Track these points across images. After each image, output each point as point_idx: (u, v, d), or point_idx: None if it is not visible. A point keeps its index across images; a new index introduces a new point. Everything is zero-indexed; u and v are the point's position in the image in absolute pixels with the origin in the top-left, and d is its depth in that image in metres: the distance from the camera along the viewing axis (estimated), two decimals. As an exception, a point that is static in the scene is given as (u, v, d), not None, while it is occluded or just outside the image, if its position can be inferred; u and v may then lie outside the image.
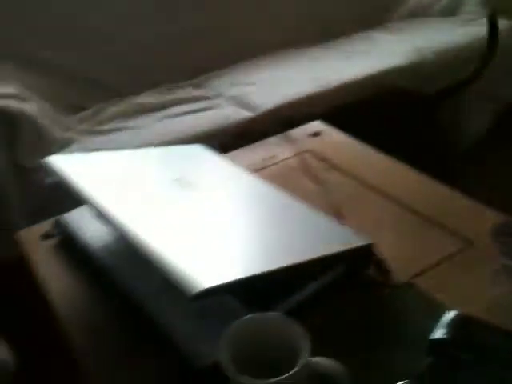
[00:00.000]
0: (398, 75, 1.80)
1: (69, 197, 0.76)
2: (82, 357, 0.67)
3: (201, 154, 0.98)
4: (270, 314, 0.56)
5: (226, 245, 0.66)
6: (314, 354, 0.51)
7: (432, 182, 0.95)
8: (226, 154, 1.05)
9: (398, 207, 0.89)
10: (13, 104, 1.19)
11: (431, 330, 0.58)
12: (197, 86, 1.78)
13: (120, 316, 0.71)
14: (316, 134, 1.15)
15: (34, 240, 0.87)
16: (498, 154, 2.01)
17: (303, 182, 0.98)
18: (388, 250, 0.75)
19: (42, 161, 0.79)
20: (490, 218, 0.81)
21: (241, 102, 1.61)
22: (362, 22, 2.20)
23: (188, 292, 0.54)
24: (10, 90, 1.27)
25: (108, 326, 0.70)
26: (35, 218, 0.91)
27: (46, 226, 0.89)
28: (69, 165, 0.79)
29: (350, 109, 1.57)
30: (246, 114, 1.53)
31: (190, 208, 0.74)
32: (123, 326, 0.69)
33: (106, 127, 1.48)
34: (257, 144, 1.14)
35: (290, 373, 0.49)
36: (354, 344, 0.64)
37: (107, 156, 0.89)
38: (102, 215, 0.69)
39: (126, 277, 0.73)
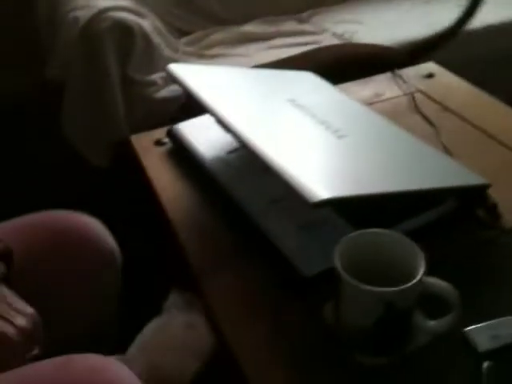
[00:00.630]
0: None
1: (186, 106, 0.79)
2: (190, 256, 0.70)
3: (312, 80, 0.98)
4: (386, 230, 0.56)
5: (346, 163, 0.66)
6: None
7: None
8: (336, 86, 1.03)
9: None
10: (131, 17, 1.23)
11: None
12: (301, 21, 1.75)
13: (228, 223, 0.73)
14: (429, 76, 1.11)
15: (147, 146, 0.91)
16: None
17: (413, 121, 0.96)
18: (500, 196, 0.73)
19: (166, 67, 0.81)
20: None
21: (346, 40, 1.57)
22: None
23: (310, 198, 0.55)
24: (128, 3, 1.30)
25: (216, 230, 0.73)
26: (138, 130, 0.95)
27: (158, 133, 0.93)
28: (190, 74, 0.81)
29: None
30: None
31: (305, 126, 0.75)
32: (230, 232, 0.72)
33: (210, 52, 1.50)
34: (365, 80, 1.11)
35: (406, 285, 0.49)
36: (459, 280, 0.63)
37: (223, 70, 0.91)
38: (223, 124, 0.71)
39: (236, 187, 0.75)
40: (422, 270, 0.50)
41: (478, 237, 0.70)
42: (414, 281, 0.49)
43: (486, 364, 0.52)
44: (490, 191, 0.72)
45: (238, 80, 0.87)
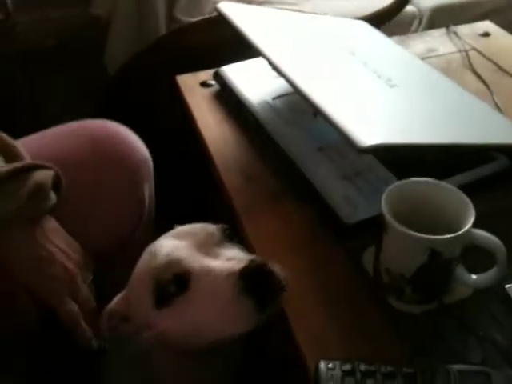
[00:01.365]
0: None
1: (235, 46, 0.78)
2: (232, 197, 0.71)
3: (365, 29, 0.95)
4: (435, 180, 0.55)
5: (397, 112, 0.65)
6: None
7: None
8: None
9: None
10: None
11: None
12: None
13: (272, 167, 0.73)
14: (485, 35, 1.07)
15: (193, 86, 0.91)
16: None
17: (467, 78, 0.93)
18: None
19: (216, 6, 0.79)
20: None
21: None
22: None
23: (359, 144, 0.54)
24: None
25: (259, 174, 0.73)
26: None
27: (204, 75, 0.92)
28: (241, 14, 0.80)
29: None
30: (408, 7, 1.43)
31: (357, 73, 0.73)
32: (274, 176, 0.72)
33: (260, -1, 1.47)
34: (418, 34, 1.08)
35: (454, 234, 0.49)
36: (504, 237, 0.62)
37: (275, 12, 0.89)
38: (272, 66, 0.70)
39: (281, 133, 0.75)
40: (471, 221, 0.50)
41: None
42: (463, 230, 0.49)
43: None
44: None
45: (289, 23, 0.86)
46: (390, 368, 0.48)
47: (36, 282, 0.59)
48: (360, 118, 0.60)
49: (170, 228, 0.59)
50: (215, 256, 0.54)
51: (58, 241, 0.60)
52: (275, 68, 0.69)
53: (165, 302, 0.54)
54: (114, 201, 0.70)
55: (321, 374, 0.48)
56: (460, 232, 0.49)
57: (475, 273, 0.54)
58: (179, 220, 0.60)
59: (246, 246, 0.64)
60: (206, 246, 0.55)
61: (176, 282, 0.52)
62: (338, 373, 0.48)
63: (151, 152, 0.76)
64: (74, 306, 0.60)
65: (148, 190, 0.74)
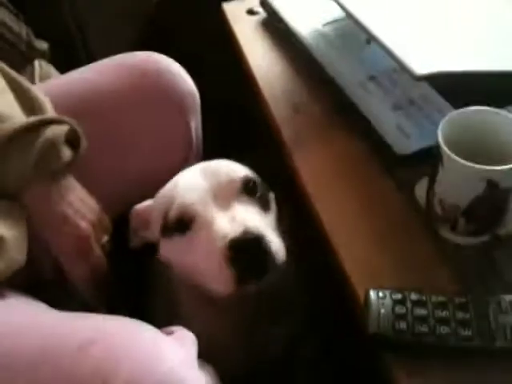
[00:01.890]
0: None
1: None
2: (282, 126, 0.70)
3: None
4: (494, 109, 0.53)
5: (456, 39, 0.62)
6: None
7: None
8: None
9: None
10: None
11: None
12: None
13: (322, 96, 0.72)
14: None
15: (239, 14, 0.88)
16: None
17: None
18: None
19: None
20: None
21: None
22: None
23: (416, 71, 0.52)
24: None
25: (309, 103, 0.72)
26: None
27: (250, 2, 0.89)
28: None
29: None
30: None
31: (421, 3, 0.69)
32: (324, 105, 0.71)
33: None
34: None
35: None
36: None
37: None
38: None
39: (331, 60, 0.73)
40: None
41: None
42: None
43: None
44: None
45: None
46: (441, 298, 0.48)
47: (49, 239, 0.59)
48: (416, 45, 0.58)
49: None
50: (226, 208, 0.54)
51: (73, 199, 0.60)
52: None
53: (167, 234, 0.57)
54: (161, 133, 0.70)
55: (371, 303, 0.48)
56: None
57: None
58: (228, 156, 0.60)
59: (296, 178, 0.64)
60: (223, 194, 0.55)
61: (179, 223, 0.55)
62: (388, 301, 0.49)
63: (199, 86, 0.75)
64: (84, 271, 0.60)
65: (195, 123, 0.73)
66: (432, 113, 0.63)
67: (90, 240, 0.60)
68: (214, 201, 0.55)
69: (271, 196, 0.60)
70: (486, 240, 0.54)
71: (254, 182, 0.58)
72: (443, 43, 0.61)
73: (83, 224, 0.60)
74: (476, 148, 0.52)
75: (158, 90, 0.69)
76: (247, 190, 0.57)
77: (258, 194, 0.57)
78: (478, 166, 0.48)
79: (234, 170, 0.58)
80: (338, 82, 0.70)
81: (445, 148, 0.49)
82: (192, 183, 0.57)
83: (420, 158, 0.59)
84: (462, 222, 0.53)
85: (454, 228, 0.54)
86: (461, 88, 0.62)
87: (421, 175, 0.59)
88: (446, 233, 0.55)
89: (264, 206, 0.57)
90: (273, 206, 0.59)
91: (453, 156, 0.49)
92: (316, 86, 0.73)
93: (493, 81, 0.61)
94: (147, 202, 0.63)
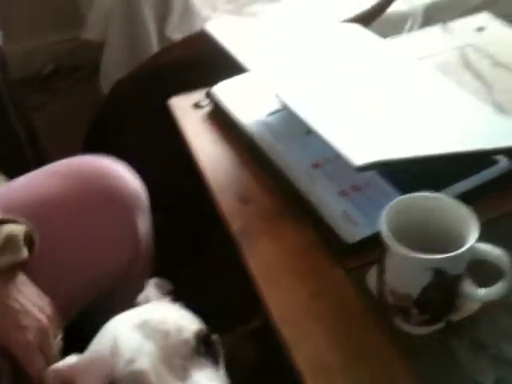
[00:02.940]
0: None
1: (224, 64, 0.77)
2: (229, 219, 0.69)
3: (358, 33, 0.93)
4: (436, 193, 0.53)
5: (393, 124, 0.63)
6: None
7: None
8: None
9: None
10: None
11: None
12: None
13: (268, 187, 0.72)
14: (480, 29, 1.04)
15: (186, 108, 0.90)
16: None
17: (464, 77, 0.90)
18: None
19: (204, 26, 0.78)
20: None
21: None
22: None
23: (355, 161, 0.53)
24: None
25: (255, 194, 0.71)
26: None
27: (197, 96, 0.91)
28: (228, 32, 0.79)
29: None
30: (401, 5, 1.41)
31: (350, 84, 0.71)
32: (270, 195, 0.70)
33: (251, 9, 1.45)
34: (412, 33, 1.06)
35: (456, 252, 0.47)
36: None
37: (264, 24, 0.87)
38: (264, 86, 0.69)
39: (276, 150, 0.73)
40: (474, 236, 0.48)
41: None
42: (465, 247, 0.47)
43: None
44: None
45: (280, 36, 0.84)
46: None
47: (8, 336, 0.57)
48: (354, 134, 0.59)
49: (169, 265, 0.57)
50: (183, 377, 0.45)
51: (29, 294, 0.60)
52: (266, 87, 0.68)
53: None
54: (108, 235, 0.70)
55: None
56: (462, 249, 0.47)
57: (485, 284, 0.52)
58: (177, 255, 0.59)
59: (247, 271, 0.62)
60: (175, 358, 0.46)
61: None
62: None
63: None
64: (44, 366, 0.56)
65: (143, 223, 0.73)
66: (378, 198, 0.63)
67: (49, 333, 0.59)
68: (168, 367, 0.45)
69: (218, 340, 0.51)
70: (441, 327, 0.53)
71: (206, 336, 0.49)
72: (380, 131, 0.62)
73: (42, 317, 0.59)
74: (424, 233, 0.52)
75: (102, 193, 0.70)
76: (200, 348, 0.47)
77: (210, 349, 0.48)
78: (421, 256, 0.47)
79: (184, 326, 0.48)
80: (284, 171, 0.70)
81: (388, 238, 0.49)
82: (135, 343, 0.46)
83: (369, 245, 0.59)
84: (414, 311, 0.51)
85: (407, 318, 0.53)
86: (405, 172, 0.63)
87: (371, 263, 0.58)
88: (400, 323, 0.53)
89: (216, 360, 0.49)
90: (220, 351, 0.50)
91: (396, 246, 0.48)
92: (264, 176, 0.73)
93: (434, 163, 0.62)
94: (70, 361, 0.52)
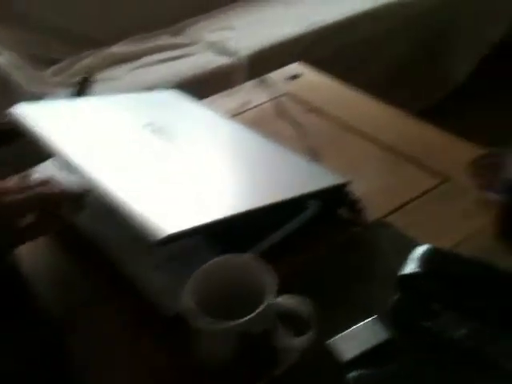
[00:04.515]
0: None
1: (35, 148, 0.74)
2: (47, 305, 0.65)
3: (174, 100, 0.95)
4: (233, 255, 0.54)
5: (195, 189, 0.64)
6: (287, 292, 0.51)
7: (411, 119, 0.93)
8: (202, 101, 1.02)
9: (376, 146, 0.87)
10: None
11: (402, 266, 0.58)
12: (174, 34, 1.72)
13: (85, 268, 0.69)
14: (295, 77, 1.12)
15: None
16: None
17: (280, 126, 0.95)
18: (363, 189, 0.73)
19: (7, 111, 0.76)
20: (468, 152, 0.79)
21: (220, 48, 1.55)
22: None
23: (151, 238, 0.52)
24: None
25: (72, 279, 0.69)
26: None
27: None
28: (36, 114, 0.77)
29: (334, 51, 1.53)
30: (225, 60, 1.48)
31: (159, 153, 0.72)
32: (87, 278, 0.68)
33: (79, 79, 1.44)
34: (233, 90, 1.10)
35: (251, 315, 0.48)
36: (325, 282, 0.63)
37: (77, 103, 0.86)
38: (67, 164, 0.67)
39: (92, 229, 0.71)
40: (270, 294, 0.49)
41: (343, 235, 0.70)
42: (260, 308, 0.48)
43: (351, 374, 0.51)
44: (355, 184, 0.72)
45: (92, 112, 0.83)
46: None
47: None
48: (152, 206, 0.58)
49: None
50: None
51: None
52: (68, 166, 0.67)
53: None
54: None
55: None
56: (255, 312, 0.48)
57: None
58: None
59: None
60: None
61: None
62: None
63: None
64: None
65: None
66: (195, 265, 0.63)
67: None
68: None
69: None
70: (264, 384, 0.53)
71: None
72: (185, 196, 0.62)
73: None
74: (233, 296, 0.53)
75: None
76: None
77: None
78: (217, 324, 0.47)
79: None
80: (101, 250, 0.68)
81: (186, 311, 0.49)
82: None
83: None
84: (234, 374, 0.51)
85: (232, 380, 0.52)
86: (217, 233, 0.63)
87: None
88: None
89: None
90: None
91: (194, 318, 0.48)
92: (79, 258, 0.71)
93: (241, 221, 0.63)
94: None
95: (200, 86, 1.37)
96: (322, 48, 1.56)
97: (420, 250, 0.59)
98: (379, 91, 1.03)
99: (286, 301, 0.51)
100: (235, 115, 0.98)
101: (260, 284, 0.51)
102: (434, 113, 1.34)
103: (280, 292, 0.51)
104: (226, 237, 0.63)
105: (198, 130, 0.83)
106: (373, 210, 0.72)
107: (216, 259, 0.54)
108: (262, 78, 1.12)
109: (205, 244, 0.66)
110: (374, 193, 0.75)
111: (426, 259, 0.57)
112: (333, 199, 0.72)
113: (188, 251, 0.65)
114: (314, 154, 0.86)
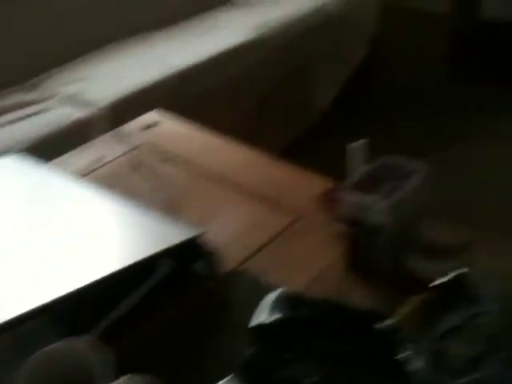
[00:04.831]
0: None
1: None
2: None
3: (16, 168, 0.88)
4: (63, 342, 0.50)
5: (22, 273, 0.59)
6: (133, 369, 0.48)
7: (271, 160, 0.92)
8: (51, 162, 0.96)
9: (235, 191, 0.85)
10: None
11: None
12: (29, 89, 1.63)
13: None
14: (151, 126, 1.09)
15: None
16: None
17: (135, 180, 0.91)
18: (220, 238, 0.72)
19: None
20: (320, 186, 0.79)
21: (78, 101, 1.49)
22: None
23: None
24: None
25: None
26: None
27: None
28: None
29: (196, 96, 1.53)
30: (82, 113, 1.42)
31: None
32: None
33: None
34: (85, 146, 1.05)
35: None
36: (174, 351, 0.59)
37: None
38: None
39: None
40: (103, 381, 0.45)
41: (196, 292, 0.67)
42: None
43: None
44: (212, 236, 0.69)
45: None
46: None
47: None
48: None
49: None
50: None
51: None
52: None
53: None
54: None
55: None
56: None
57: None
58: None
59: None
60: None
61: None
62: None
63: None
64: None
65: None
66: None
67: None
68: None
69: None
70: None
71: None
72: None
73: None
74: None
75: None
76: None
77: None
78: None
79: None
80: None
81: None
82: None
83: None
84: None
85: None
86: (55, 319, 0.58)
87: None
88: None
89: None
90: None
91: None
92: None
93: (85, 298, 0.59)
94: None
95: (59, 143, 1.30)
96: (188, 90, 1.55)
97: (270, 297, 0.57)
98: (250, 126, 1.03)
99: (126, 382, 0.47)
100: (87, 174, 0.93)
101: (94, 371, 0.47)
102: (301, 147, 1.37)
103: (124, 371, 0.48)
104: (70, 316, 0.58)
105: (38, 204, 0.76)
106: (229, 259, 0.70)
107: (44, 349, 0.49)
108: (116, 130, 1.08)
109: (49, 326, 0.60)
110: (231, 240, 0.73)
111: (275, 306, 0.56)
112: (186, 254, 0.69)
113: (22, 338, 0.59)
114: (171, 206, 0.83)
